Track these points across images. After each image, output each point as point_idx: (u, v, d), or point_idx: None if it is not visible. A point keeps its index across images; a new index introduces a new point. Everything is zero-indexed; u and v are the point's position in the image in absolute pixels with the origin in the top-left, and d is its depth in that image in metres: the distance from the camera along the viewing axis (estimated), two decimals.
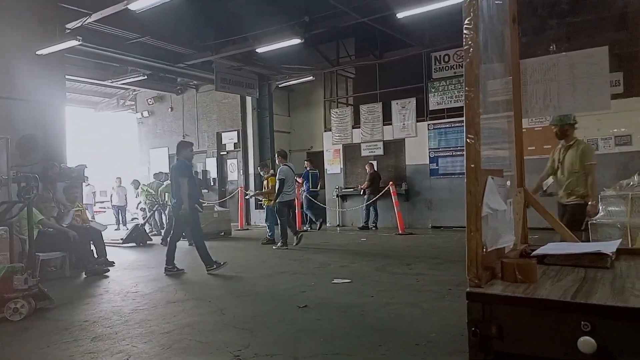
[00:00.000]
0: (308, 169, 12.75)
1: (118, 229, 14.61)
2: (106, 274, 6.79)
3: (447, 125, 11.53)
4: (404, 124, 12.11)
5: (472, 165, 1.41)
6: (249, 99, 14.71)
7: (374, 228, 11.67)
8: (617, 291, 1.35)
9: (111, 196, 15.67)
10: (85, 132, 20.91)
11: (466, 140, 1.41)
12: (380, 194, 11.30)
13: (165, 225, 11.46)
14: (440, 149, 11.62)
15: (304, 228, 12.24)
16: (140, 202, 13.98)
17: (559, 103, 2.01)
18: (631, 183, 4.86)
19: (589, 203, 4.50)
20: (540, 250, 1.84)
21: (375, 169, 11.97)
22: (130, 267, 7.52)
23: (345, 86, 14.62)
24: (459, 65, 11.16)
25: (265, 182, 10.40)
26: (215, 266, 6.57)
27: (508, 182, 1.88)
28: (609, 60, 1.93)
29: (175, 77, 14.71)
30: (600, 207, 4.87)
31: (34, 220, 5.46)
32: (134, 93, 17.27)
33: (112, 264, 7.47)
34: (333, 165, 13.33)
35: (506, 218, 1.75)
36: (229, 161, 15.46)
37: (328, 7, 9.42)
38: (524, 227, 2.11)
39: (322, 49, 12.91)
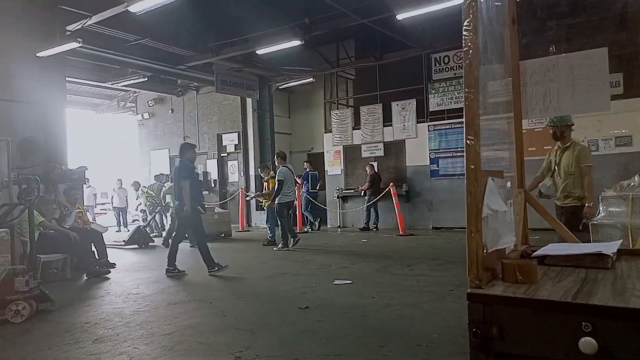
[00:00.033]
0: (307, 170, 12.80)
1: (119, 230, 14.63)
2: (107, 275, 6.80)
3: (448, 127, 11.54)
4: (404, 125, 12.12)
5: (472, 167, 1.42)
6: (249, 101, 14.72)
7: (374, 229, 11.67)
8: (618, 292, 1.35)
9: (112, 198, 15.69)
10: (86, 134, 20.91)
11: (466, 142, 1.42)
12: (381, 195, 11.31)
13: (165, 227, 11.46)
14: (441, 150, 11.62)
15: (305, 229, 12.25)
16: (140, 204, 13.99)
17: (559, 104, 2.02)
18: (632, 184, 4.85)
19: (586, 205, 4.48)
20: (540, 251, 1.84)
21: (376, 170, 11.98)
22: (131, 268, 7.53)
23: (346, 87, 14.63)
24: (459, 66, 11.16)
25: (265, 184, 10.41)
26: (216, 268, 6.58)
27: (508, 183, 1.88)
28: (608, 61, 1.94)
29: (175, 79, 14.72)
30: (601, 208, 4.86)
31: (34, 223, 5.47)
32: (134, 95, 17.29)
33: (113, 265, 7.47)
34: (334, 166, 13.33)
35: (507, 219, 1.76)
36: (229, 163, 15.47)
37: (328, 8, 9.43)
38: (525, 228, 2.11)
39: (322, 51, 12.93)
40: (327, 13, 9.84)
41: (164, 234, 11.26)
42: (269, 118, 14.72)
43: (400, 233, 10.61)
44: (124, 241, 10.39)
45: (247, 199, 13.56)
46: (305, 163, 13.16)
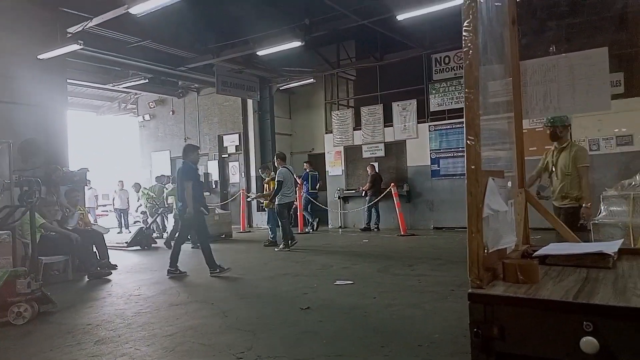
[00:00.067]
0: (307, 170, 12.82)
1: (120, 232, 14.64)
2: (109, 277, 6.81)
3: (448, 127, 11.54)
4: (404, 126, 12.12)
5: (473, 167, 1.42)
6: (250, 102, 14.74)
7: (375, 229, 11.67)
8: (619, 291, 1.35)
9: (113, 199, 15.70)
10: (87, 135, 20.95)
11: (466, 142, 1.42)
12: (382, 195, 11.31)
13: (167, 228, 11.46)
14: (442, 150, 11.62)
15: (306, 230, 12.25)
16: (140, 205, 14.00)
17: (560, 104, 2.02)
18: (633, 183, 4.84)
19: (583, 206, 4.44)
20: (541, 251, 1.84)
21: (377, 171, 11.99)
22: (133, 270, 7.54)
23: (346, 88, 14.64)
24: (460, 66, 11.16)
25: (266, 185, 10.41)
26: (218, 270, 6.59)
27: (509, 183, 1.88)
28: (609, 61, 1.94)
29: (176, 81, 14.73)
30: (602, 207, 4.85)
31: (35, 225, 5.48)
32: (135, 96, 17.31)
33: (114, 267, 7.47)
34: (334, 167, 13.34)
35: (507, 219, 1.75)
36: (230, 164, 15.49)
37: (328, 9, 9.44)
38: (526, 228, 2.11)
39: (323, 52, 12.94)
40: (327, 14, 9.85)
41: (165, 235, 11.26)
42: (270, 119, 14.74)
43: (402, 233, 10.61)
44: (126, 242, 10.40)
45: (248, 199, 13.58)
46: (305, 164, 13.18)
